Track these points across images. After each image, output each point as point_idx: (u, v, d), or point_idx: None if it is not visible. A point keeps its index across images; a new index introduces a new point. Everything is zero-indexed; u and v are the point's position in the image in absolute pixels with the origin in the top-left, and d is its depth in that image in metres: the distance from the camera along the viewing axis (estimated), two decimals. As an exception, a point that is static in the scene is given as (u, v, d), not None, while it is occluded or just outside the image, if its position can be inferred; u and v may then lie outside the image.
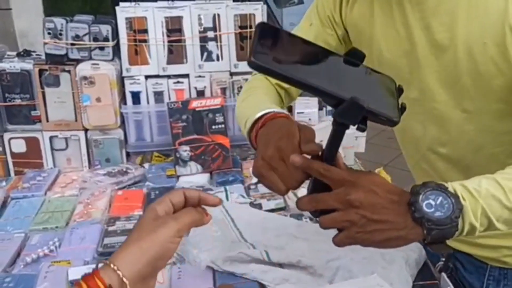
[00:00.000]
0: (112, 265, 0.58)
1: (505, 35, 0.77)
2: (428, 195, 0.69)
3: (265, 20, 1.66)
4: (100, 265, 0.60)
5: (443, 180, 0.76)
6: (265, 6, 1.66)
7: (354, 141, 1.61)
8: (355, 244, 0.74)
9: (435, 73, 0.88)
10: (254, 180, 1.46)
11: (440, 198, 0.69)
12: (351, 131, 1.61)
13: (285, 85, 1.04)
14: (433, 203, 0.68)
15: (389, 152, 3.67)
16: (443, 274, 0.99)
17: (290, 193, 1.37)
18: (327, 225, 0.74)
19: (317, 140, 1.50)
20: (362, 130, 0.71)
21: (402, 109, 0.72)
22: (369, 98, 0.68)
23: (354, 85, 0.73)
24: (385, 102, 0.73)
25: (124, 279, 0.57)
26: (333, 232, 0.76)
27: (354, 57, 0.75)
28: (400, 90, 0.75)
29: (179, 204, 0.69)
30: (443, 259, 1.06)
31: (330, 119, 1.69)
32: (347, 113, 0.68)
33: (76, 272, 1.00)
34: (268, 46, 0.70)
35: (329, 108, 1.71)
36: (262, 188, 1.41)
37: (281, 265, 1.03)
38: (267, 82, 1.07)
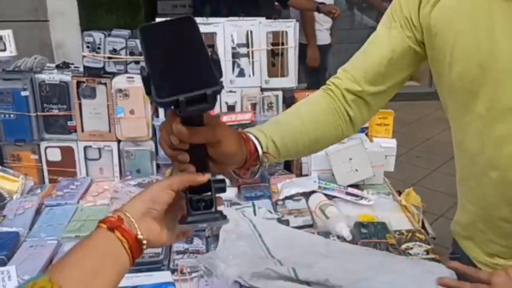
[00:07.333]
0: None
1: None
2: None
3: (296, 37, 1.68)
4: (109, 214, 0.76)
5: (487, 204, 0.76)
6: (297, 24, 1.68)
7: (383, 159, 1.59)
8: None
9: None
10: (282, 196, 1.47)
11: None
12: (379, 149, 1.60)
13: (365, 97, 0.98)
14: None
15: (418, 172, 3.61)
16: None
17: (318, 211, 1.38)
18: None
19: (346, 158, 1.51)
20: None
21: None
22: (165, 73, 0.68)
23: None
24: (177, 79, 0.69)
25: (130, 216, 0.75)
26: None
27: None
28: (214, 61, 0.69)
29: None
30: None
31: (359, 136, 1.68)
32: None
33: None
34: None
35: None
36: (289, 204, 1.42)
37: (308, 283, 1.03)
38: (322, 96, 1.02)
